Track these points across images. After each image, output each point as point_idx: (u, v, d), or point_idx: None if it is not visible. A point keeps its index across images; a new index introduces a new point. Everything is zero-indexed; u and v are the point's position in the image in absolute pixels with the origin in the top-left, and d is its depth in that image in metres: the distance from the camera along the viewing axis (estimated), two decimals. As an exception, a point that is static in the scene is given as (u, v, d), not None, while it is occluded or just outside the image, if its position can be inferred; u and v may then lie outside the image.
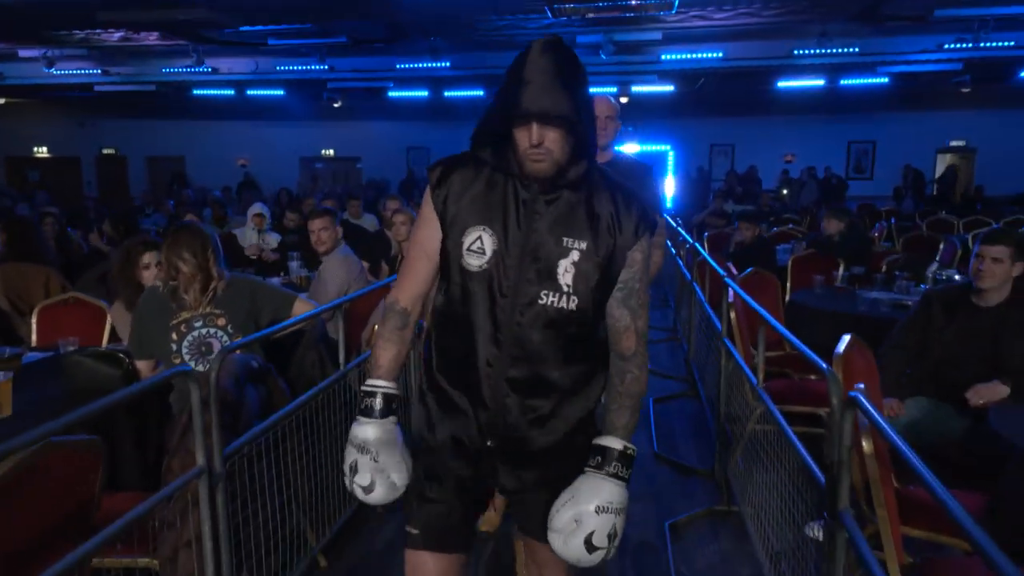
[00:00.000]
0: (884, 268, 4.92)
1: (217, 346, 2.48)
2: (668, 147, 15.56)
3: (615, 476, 1.37)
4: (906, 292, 4.10)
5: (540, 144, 1.31)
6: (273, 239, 5.63)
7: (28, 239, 4.98)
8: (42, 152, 19.07)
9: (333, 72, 12.57)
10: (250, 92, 14.54)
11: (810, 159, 15.27)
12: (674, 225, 6.80)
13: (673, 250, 6.52)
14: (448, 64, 11.51)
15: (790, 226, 7.82)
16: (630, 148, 15.76)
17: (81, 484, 1.61)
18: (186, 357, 2.46)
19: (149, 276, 2.84)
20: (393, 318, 1.47)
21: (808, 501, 2.11)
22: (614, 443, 1.40)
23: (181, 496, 1.80)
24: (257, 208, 5.74)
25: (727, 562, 2.67)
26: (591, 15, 7.29)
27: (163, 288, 2.50)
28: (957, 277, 4.04)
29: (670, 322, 6.67)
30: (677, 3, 6.75)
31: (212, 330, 2.49)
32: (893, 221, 8.93)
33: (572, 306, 1.37)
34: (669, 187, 15.04)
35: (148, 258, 2.86)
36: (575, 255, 1.37)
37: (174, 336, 2.46)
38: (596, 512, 1.33)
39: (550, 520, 1.37)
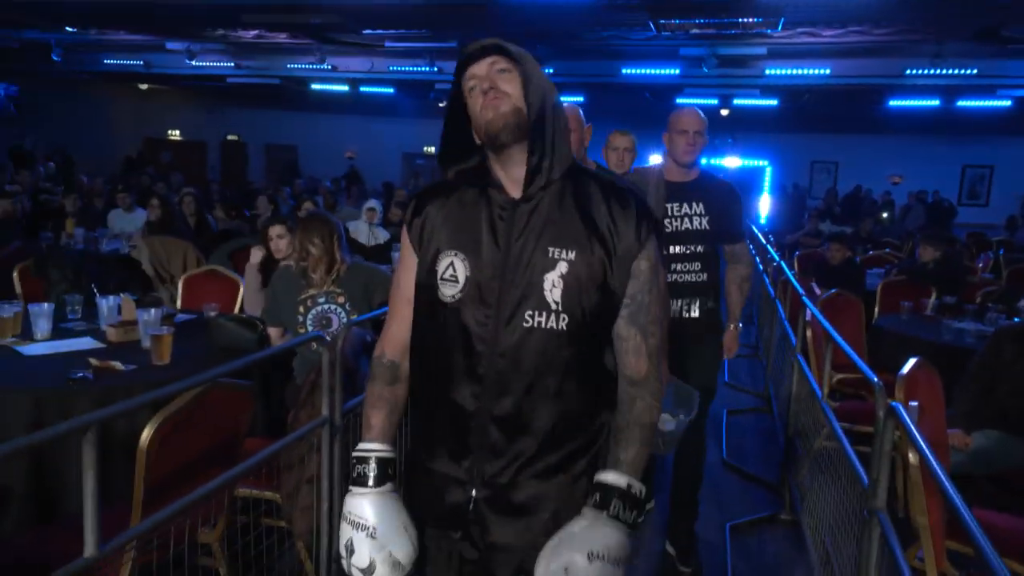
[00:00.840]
0: (979, 299, 4.85)
1: (336, 321, 2.86)
2: (766, 162, 15.29)
3: (615, 518, 1.17)
4: (994, 324, 4.07)
5: (493, 87, 1.19)
6: (383, 234, 6.07)
7: (170, 216, 5.64)
8: (175, 135, 20.71)
9: (441, 74, 13.14)
10: (363, 89, 15.35)
11: (920, 182, 14.64)
12: (763, 243, 6.84)
13: (761, 267, 6.58)
14: (552, 71, 11.82)
15: (887, 250, 7.66)
16: (730, 162, 15.66)
17: (235, 419, 1.99)
18: (310, 327, 2.86)
19: (277, 247, 3.30)
20: (382, 373, 1.33)
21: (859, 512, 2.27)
22: (616, 479, 1.20)
23: (305, 441, 2.17)
24: (371, 203, 6.21)
25: (782, 565, 2.83)
26: (695, 31, 7.40)
27: (295, 267, 2.91)
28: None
29: (752, 339, 6.72)
30: (783, 22, 6.78)
31: (333, 307, 2.87)
32: (1002, 252, 8.55)
33: (563, 326, 1.19)
34: (764, 204, 14.81)
35: (276, 231, 3.31)
36: (563, 267, 1.19)
37: (301, 309, 2.86)
38: (588, 560, 1.12)
39: (535, 567, 1.16)
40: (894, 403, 1.61)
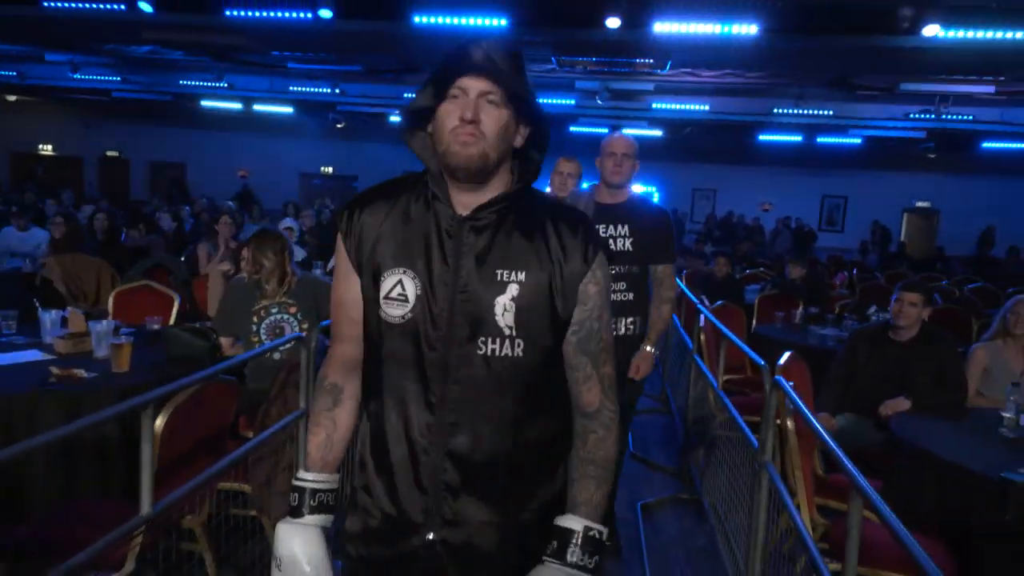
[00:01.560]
0: (837, 310, 5.63)
1: (288, 329, 3.07)
2: (653, 188, 16.38)
3: (575, 566, 1.11)
4: (849, 330, 4.79)
5: (475, 121, 1.10)
6: (300, 252, 6.20)
7: (77, 233, 5.54)
8: (46, 150, 19.45)
9: (343, 96, 13.28)
10: (257, 107, 15.16)
11: (786, 209, 16.20)
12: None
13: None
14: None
15: (761, 269, 8.56)
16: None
17: (223, 412, 2.20)
18: (263, 337, 3.05)
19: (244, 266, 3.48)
20: (322, 397, 1.25)
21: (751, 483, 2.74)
22: (574, 523, 1.13)
23: (283, 432, 2.39)
24: (288, 223, 6.34)
25: (686, 534, 3.28)
26: (591, 68, 8.06)
27: (248, 279, 3.10)
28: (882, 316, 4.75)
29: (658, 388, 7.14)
30: (670, 63, 7.54)
31: (285, 316, 3.08)
32: (855, 272, 9.71)
33: (518, 352, 1.13)
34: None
35: (244, 253, 3.49)
36: (513, 289, 1.13)
37: (255, 319, 3.06)
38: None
39: None
40: (778, 376, 2.07)
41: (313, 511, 1.19)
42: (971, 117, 11.06)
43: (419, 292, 1.14)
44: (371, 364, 1.21)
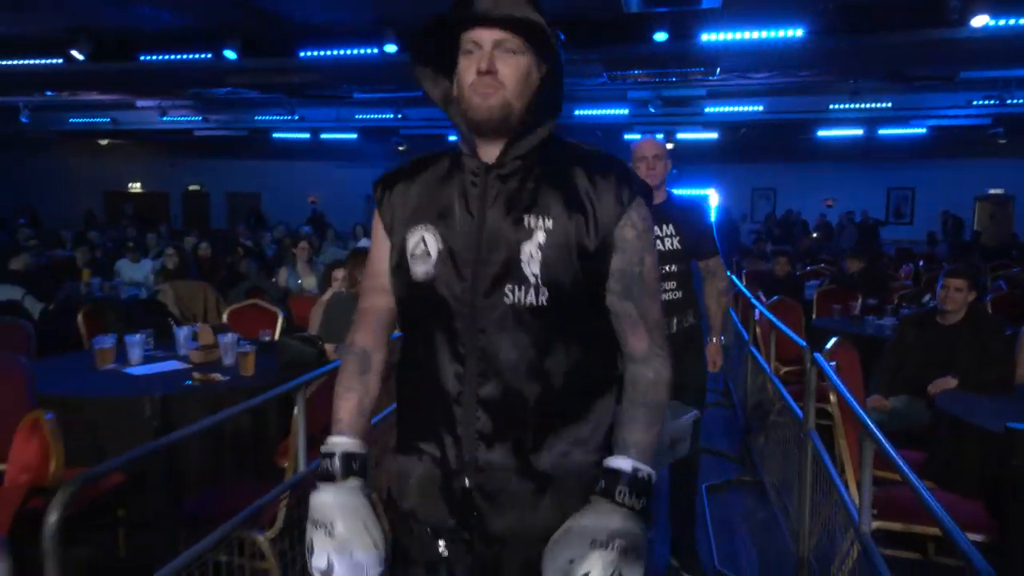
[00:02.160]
0: (896, 300, 5.75)
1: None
2: (710, 191, 16.43)
3: (623, 505, 1.11)
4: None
5: (491, 71, 1.09)
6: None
7: (185, 262, 6.21)
8: (135, 187, 20.93)
9: (405, 120, 13.94)
10: (324, 136, 16.01)
11: (850, 204, 15.97)
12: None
13: None
14: (510, 114, 12.72)
15: (822, 265, 8.64)
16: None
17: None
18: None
19: (337, 283, 3.95)
20: (351, 362, 1.26)
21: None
22: (623, 464, 1.14)
23: (385, 421, 2.81)
24: (363, 243, 6.87)
25: (748, 510, 3.55)
26: (642, 79, 8.37)
27: (346, 292, 3.56)
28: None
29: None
30: (718, 71, 7.78)
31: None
32: (922, 263, 9.63)
33: (543, 301, 1.12)
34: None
35: (337, 272, 3.97)
36: (540, 236, 1.12)
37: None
38: (595, 550, 1.07)
39: (543, 561, 1.11)
40: (816, 354, 2.36)
41: (344, 475, 1.17)
42: (1038, 100, 10.79)
43: (440, 245, 1.15)
44: (405, 322, 1.23)
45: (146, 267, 7.19)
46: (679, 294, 2.75)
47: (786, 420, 3.45)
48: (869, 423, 1.74)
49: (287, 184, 19.66)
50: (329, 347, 3.56)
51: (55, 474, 1.92)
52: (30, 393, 2.86)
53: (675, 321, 2.73)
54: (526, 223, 1.12)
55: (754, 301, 4.15)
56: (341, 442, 1.20)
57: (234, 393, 2.96)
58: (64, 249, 9.00)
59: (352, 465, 1.18)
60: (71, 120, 15.04)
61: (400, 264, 1.18)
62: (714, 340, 2.90)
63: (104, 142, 19.11)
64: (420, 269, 1.16)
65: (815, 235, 14.68)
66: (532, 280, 1.11)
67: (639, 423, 1.17)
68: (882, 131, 14.19)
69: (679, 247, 2.74)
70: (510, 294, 1.12)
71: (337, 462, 1.17)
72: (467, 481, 1.17)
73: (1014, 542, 1.98)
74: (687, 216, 2.78)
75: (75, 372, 3.33)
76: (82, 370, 3.35)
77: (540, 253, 1.11)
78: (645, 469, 1.14)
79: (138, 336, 3.46)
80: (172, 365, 3.45)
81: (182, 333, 3.65)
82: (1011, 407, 2.95)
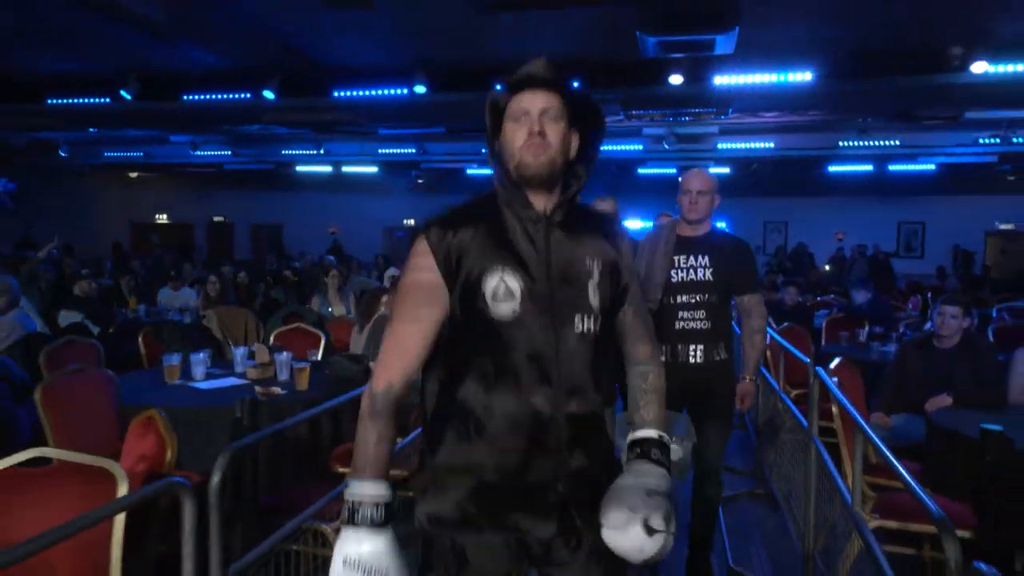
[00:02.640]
0: (900, 329, 6.02)
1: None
2: (723, 224, 16.76)
3: (657, 462, 1.35)
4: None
5: (540, 132, 1.29)
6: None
7: (226, 289, 6.59)
8: (162, 219, 21.56)
9: (425, 155, 14.45)
10: (345, 169, 16.53)
11: (861, 237, 16.24)
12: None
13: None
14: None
15: (832, 296, 8.91)
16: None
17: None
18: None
19: (381, 307, 4.31)
20: (387, 405, 1.32)
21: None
22: (650, 433, 1.39)
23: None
24: (392, 271, 7.25)
25: (760, 518, 3.81)
26: (657, 118, 8.78)
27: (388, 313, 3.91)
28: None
29: None
30: (731, 109, 8.18)
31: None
32: (929, 295, 9.88)
33: (597, 328, 1.35)
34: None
35: (384, 299, 4.33)
36: (596, 275, 1.35)
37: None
38: (648, 495, 1.27)
39: (603, 518, 1.28)
40: (818, 368, 2.66)
41: (382, 522, 1.24)
42: (1042, 138, 11.12)
43: (522, 286, 1.29)
44: (478, 357, 1.32)
45: (186, 294, 7.59)
46: (707, 324, 2.76)
47: (794, 435, 3.73)
48: (861, 421, 2.04)
49: (308, 215, 20.18)
50: (375, 364, 3.90)
51: (170, 462, 2.24)
52: (115, 402, 3.22)
53: (701, 350, 2.74)
54: (587, 263, 1.35)
55: (769, 329, 4.46)
56: (383, 492, 1.26)
57: (292, 406, 3.30)
58: (104, 278, 9.45)
59: (388, 511, 1.27)
60: (106, 154, 15.67)
61: (476, 303, 1.30)
62: (747, 379, 2.87)
63: (134, 175, 19.78)
64: (505, 308, 1.29)
65: (827, 267, 14.94)
66: (595, 310, 1.34)
67: (653, 404, 1.45)
68: (892, 167, 14.49)
69: (711, 279, 2.77)
70: (580, 323, 1.33)
71: (383, 511, 1.25)
72: (561, 487, 1.33)
73: (989, 527, 2.25)
74: (727, 251, 2.81)
75: (146, 386, 3.68)
76: (153, 385, 3.70)
77: (598, 289, 1.35)
78: (664, 435, 1.40)
79: (202, 354, 3.82)
80: (232, 381, 3.79)
81: (239, 352, 4.00)
82: (1000, 421, 3.22)
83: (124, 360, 4.76)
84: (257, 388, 3.47)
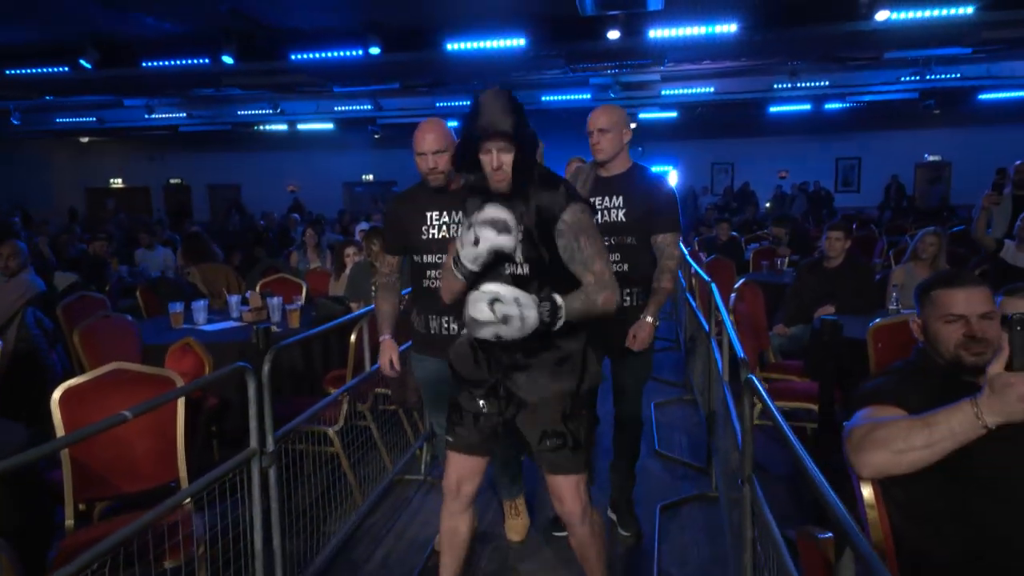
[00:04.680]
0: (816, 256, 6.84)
1: (395, 294, 4.48)
2: (671, 167, 17.50)
3: (539, 299, 1.86)
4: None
5: (500, 168, 1.89)
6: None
7: (209, 248, 7.06)
8: (117, 183, 21.44)
9: (381, 111, 14.76)
10: (302, 127, 16.69)
11: (803, 174, 17.17)
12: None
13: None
14: (481, 102, 13.62)
15: (766, 230, 9.74)
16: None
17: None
18: (380, 300, 4.47)
19: (350, 259, 4.90)
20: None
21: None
22: (556, 298, 1.90)
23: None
24: (363, 226, 7.79)
25: (708, 529, 3.27)
26: (599, 70, 9.34)
27: (364, 260, 4.51)
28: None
29: (672, 333, 7.04)
30: (667, 61, 8.78)
31: (393, 285, 4.49)
32: (854, 226, 10.79)
33: (524, 270, 1.98)
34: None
35: (349, 250, 4.91)
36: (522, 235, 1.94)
37: (373, 286, 4.47)
38: (505, 293, 1.81)
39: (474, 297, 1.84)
40: (712, 284, 3.37)
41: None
42: (958, 75, 11.96)
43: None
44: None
45: (160, 253, 8.04)
46: (623, 267, 2.73)
47: (704, 343, 4.46)
48: (727, 319, 2.75)
49: (266, 174, 20.31)
50: (354, 304, 4.53)
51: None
52: (139, 343, 3.80)
53: (621, 294, 2.59)
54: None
55: (688, 258, 5.19)
56: None
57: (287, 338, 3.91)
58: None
59: None
60: (58, 120, 15.59)
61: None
62: (647, 319, 2.72)
63: (85, 140, 19.60)
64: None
65: (768, 205, 15.85)
66: (519, 260, 2.00)
67: (576, 298, 1.95)
68: (828, 105, 15.29)
69: (624, 220, 2.74)
70: (509, 268, 2.03)
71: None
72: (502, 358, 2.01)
73: (826, 388, 3.02)
74: (642, 191, 2.75)
75: (157, 331, 4.25)
76: (162, 330, 4.27)
77: (520, 246, 1.98)
78: (563, 306, 1.90)
79: (202, 302, 4.39)
80: (232, 324, 4.39)
81: (234, 300, 4.58)
82: (864, 321, 4.00)
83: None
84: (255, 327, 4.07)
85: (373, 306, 4.29)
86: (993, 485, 1.52)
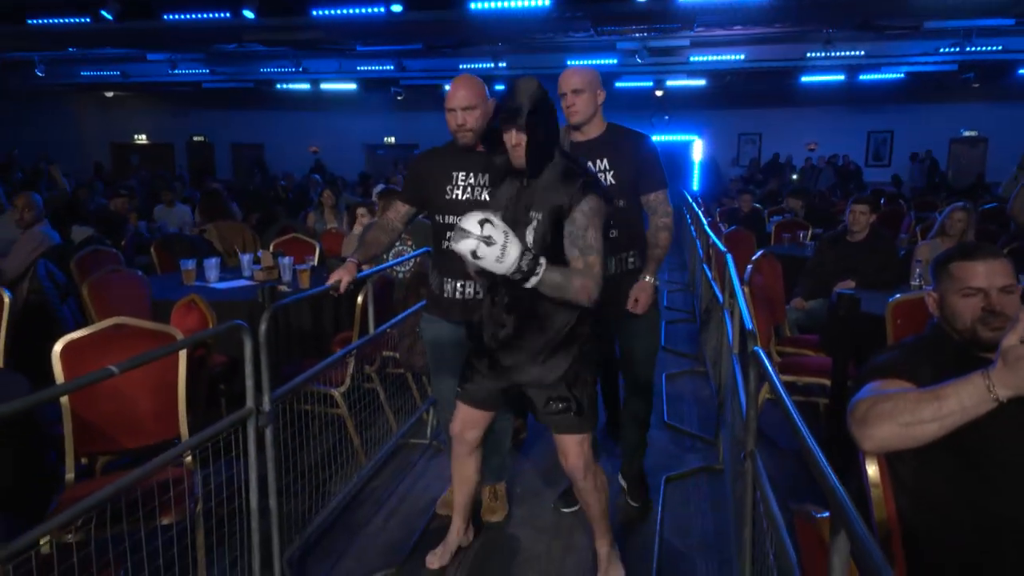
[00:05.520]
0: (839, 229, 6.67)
1: (407, 252, 4.43)
2: (695, 136, 17.15)
3: (521, 252, 1.86)
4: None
5: (518, 144, 2.01)
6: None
7: (224, 205, 7.06)
8: (141, 139, 21.53)
9: (404, 71, 14.56)
10: (324, 86, 16.56)
11: (832, 147, 16.74)
12: (693, 206, 8.53)
13: (694, 232, 8.21)
14: (504, 64, 13.40)
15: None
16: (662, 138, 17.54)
17: (387, 296, 3.57)
18: (390, 259, 4.42)
19: (362, 219, 4.85)
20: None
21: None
22: (542, 258, 1.93)
23: (413, 315, 3.75)
24: (380, 187, 7.72)
25: (716, 502, 3.11)
26: (627, 32, 9.10)
27: (379, 220, 4.45)
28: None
29: (689, 304, 7.11)
30: (696, 25, 8.51)
31: (404, 247, 4.44)
32: (883, 201, 10.52)
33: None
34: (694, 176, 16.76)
35: (361, 210, 4.86)
36: (535, 222, 2.05)
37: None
38: (499, 223, 1.85)
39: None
40: (728, 255, 3.28)
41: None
42: (1000, 47, 11.49)
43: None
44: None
45: (180, 210, 8.05)
46: (614, 232, 2.62)
47: (718, 313, 4.36)
48: (739, 291, 2.67)
49: (288, 134, 20.26)
50: (366, 265, 4.48)
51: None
52: (148, 298, 3.80)
53: (614, 260, 2.65)
54: (528, 213, 2.10)
55: (707, 229, 5.07)
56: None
57: (299, 300, 3.89)
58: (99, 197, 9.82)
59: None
60: (82, 73, 15.61)
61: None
62: (646, 278, 2.66)
63: (110, 94, 19.65)
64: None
65: (795, 177, 15.51)
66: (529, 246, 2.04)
67: (558, 271, 1.97)
68: (862, 76, 14.81)
69: (613, 182, 2.62)
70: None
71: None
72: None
73: (840, 364, 2.94)
74: (626, 150, 2.64)
75: (168, 287, 4.25)
76: (173, 286, 4.27)
77: (533, 232, 2.07)
78: (541, 266, 1.91)
79: (214, 260, 4.38)
80: (243, 282, 4.38)
81: (246, 259, 4.57)
82: (875, 296, 3.89)
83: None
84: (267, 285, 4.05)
85: (378, 267, 4.28)
86: (1008, 471, 1.45)
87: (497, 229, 1.82)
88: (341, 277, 2.61)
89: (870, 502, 1.50)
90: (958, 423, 1.36)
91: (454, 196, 2.60)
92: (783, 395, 1.42)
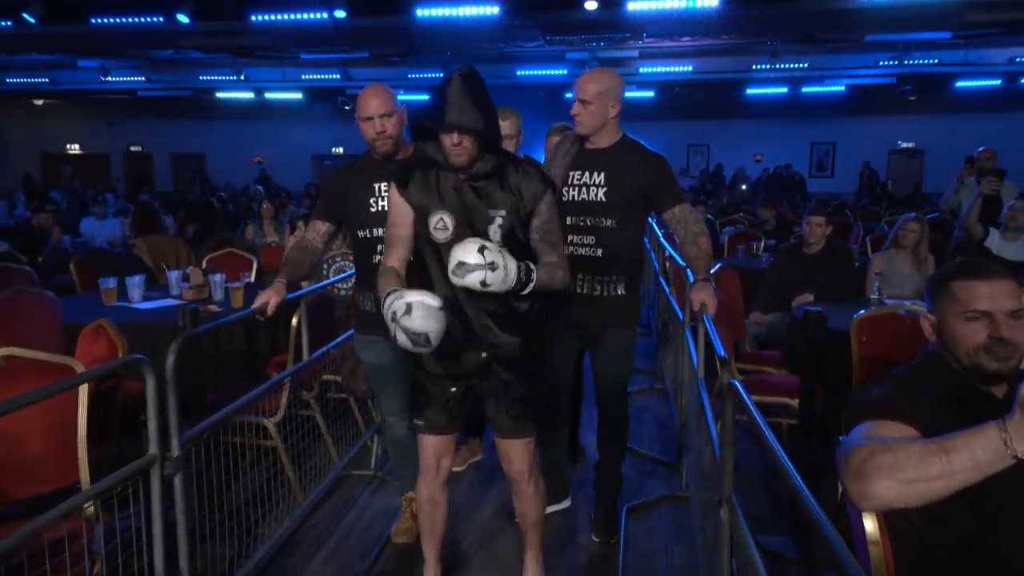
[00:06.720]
0: (792, 241, 6.65)
1: (348, 269, 4.16)
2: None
3: (518, 266, 1.83)
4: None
5: (459, 143, 1.86)
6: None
7: (158, 219, 6.66)
8: (74, 149, 20.57)
9: (351, 80, 14.22)
10: (269, 96, 16.08)
11: (778, 158, 17.00)
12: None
13: (648, 245, 8.09)
14: (455, 74, 13.19)
15: (740, 214, 9.55)
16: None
17: (326, 318, 3.30)
18: (331, 276, 4.15)
19: (300, 230, 4.56)
20: (389, 271, 2.01)
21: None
22: (530, 263, 1.91)
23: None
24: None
25: (677, 534, 2.91)
26: (576, 43, 9.01)
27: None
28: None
29: (644, 318, 6.66)
30: (645, 35, 8.47)
31: (346, 263, 4.17)
32: (830, 210, 10.66)
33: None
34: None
35: (300, 222, 4.56)
36: (499, 220, 1.96)
37: (325, 265, 4.15)
38: (491, 244, 1.80)
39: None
40: (688, 269, 3.12)
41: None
42: (936, 60, 11.84)
43: (454, 224, 1.97)
44: (424, 263, 2.03)
45: (111, 223, 7.59)
46: (597, 252, 2.50)
47: (678, 330, 4.22)
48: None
49: (231, 144, 19.62)
50: (305, 283, 4.20)
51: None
52: (60, 321, 3.45)
53: (587, 281, 2.53)
54: (490, 213, 1.99)
55: (663, 241, 4.94)
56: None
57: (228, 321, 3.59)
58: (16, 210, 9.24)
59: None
60: (7, 80, 14.80)
61: (422, 231, 2.02)
62: (698, 280, 2.54)
63: (39, 102, 18.72)
64: (441, 236, 1.99)
65: (743, 187, 15.70)
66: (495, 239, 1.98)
67: (542, 269, 1.96)
68: (805, 88, 15.12)
69: (603, 200, 2.47)
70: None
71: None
72: (484, 354, 2.04)
73: (807, 381, 2.80)
74: (630, 168, 2.48)
75: (86, 308, 3.88)
76: (92, 307, 3.91)
77: (500, 229, 1.98)
78: (535, 275, 1.91)
79: (137, 278, 4.03)
80: (169, 302, 4.04)
81: (173, 276, 4.23)
82: (846, 310, 3.81)
83: (56, 290, 4.89)
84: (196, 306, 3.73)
85: (319, 284, 4.00)
86: (1015, 516, 1.29)
87: (493, 251, 1.79)
88: (269, 298, 2.38)
89: (865, 554, 1.32)
90: (969, 481, 1.16)
91: (379, 208, 2.48)
92: (764, 430, 1.24)
